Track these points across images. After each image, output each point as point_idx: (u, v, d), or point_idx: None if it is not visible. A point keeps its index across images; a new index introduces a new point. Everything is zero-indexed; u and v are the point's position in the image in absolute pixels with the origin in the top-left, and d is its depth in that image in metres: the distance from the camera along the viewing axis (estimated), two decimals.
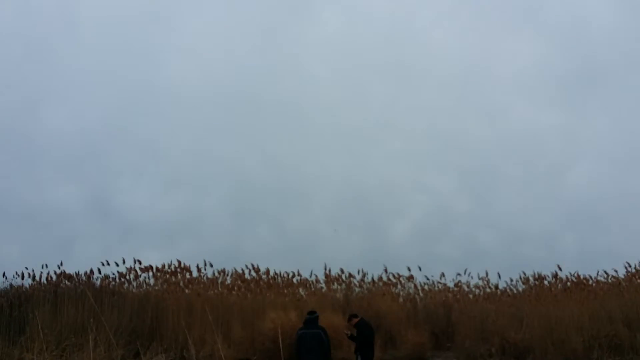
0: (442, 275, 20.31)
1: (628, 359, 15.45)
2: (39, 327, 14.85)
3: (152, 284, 18.34)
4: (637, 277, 18.48)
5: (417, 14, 36.10)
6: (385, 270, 20.14)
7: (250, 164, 32.36)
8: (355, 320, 13.29)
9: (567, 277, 19.03)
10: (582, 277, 18.94)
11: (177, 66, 33.43)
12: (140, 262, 18.13)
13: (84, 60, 32.27)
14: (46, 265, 17.72)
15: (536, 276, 19.39)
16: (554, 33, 33.71)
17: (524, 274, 19.57)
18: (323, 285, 19.79)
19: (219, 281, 18.72)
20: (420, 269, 20.02)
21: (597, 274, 19.11)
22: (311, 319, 11.80)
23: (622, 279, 18.56)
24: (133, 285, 18.15)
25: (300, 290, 19.48)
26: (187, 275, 18.42)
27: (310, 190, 31.38)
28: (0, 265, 20.28)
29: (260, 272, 19.07)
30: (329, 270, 19.81)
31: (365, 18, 35.92)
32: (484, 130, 33.03)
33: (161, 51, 33.87)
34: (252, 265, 19.12)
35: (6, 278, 17.52)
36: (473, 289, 20.12)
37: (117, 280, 18.02)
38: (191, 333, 16.01)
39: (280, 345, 12.43)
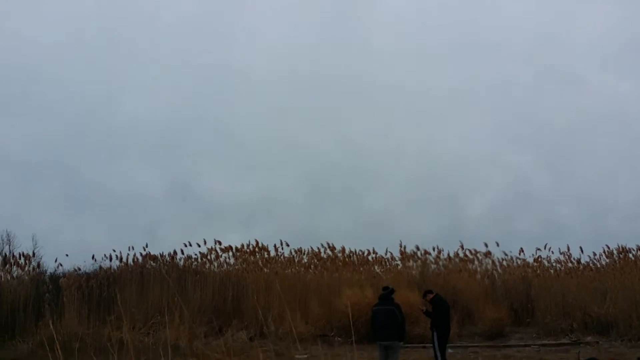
0: (521, 250, 19.94)
1: None
2: (127, 306, 15.72)
3: (232, 263, 18.91)
4: None
5: None
6: (462, 247, 19.95)
7: (323, 144, 32.62)
8: (431, 296, 13.24)
9: None
10: None
11: (246, 49, 33.98)
12: (220, 243, 18.81)
13: (158, 49, 33.36)
14: (132, 248, 18.63)
15: (620, 249, 18.70)
16: None
17: (608, 247, 18.94)
18: (398, 262, 19.86)
19: (296, 260, 19.13)
20: (497, 244, 19.71)
21: None
22: (385, 295, 11.86)
23: None
24: (214, 265, 18.85)
25: (376, 267, 19.66)
26: (265, 255, 18.89)
27: (384, 168, 31.35)
28: (89, 248, 21.53)
29: (336, 251, 19.35)
30: (404, 248, 19.86)
31: None
32: (561, 101, 31.86)
33: (230, 36, 34.51)
34: (328, 244, 19.45)
35: (95, 260, 18.52)
36: (554, 264, 19.63)
37: (199, 260, 18.73)
38: (270, 310, 16.50)
39: (351, 321, 12.65)
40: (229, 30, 34.67)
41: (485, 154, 31.71)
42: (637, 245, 18.43)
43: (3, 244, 23.78)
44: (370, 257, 19.69)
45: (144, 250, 18.69)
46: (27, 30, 33.10)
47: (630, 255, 18.50)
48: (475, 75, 33.49)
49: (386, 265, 19.71)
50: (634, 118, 30.34)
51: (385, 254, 19.85)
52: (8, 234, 24.62)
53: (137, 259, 18.55)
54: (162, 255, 18.80)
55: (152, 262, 18.61)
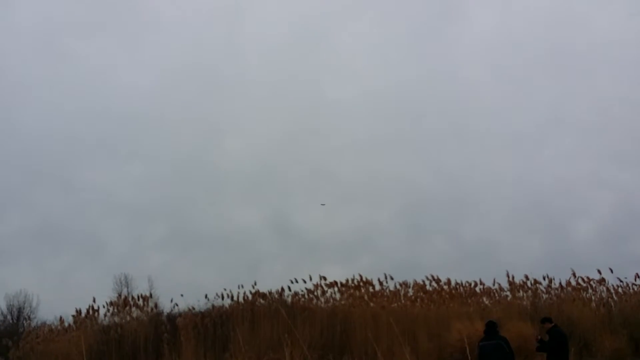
0: (637, 276, 19.49)
1: None
2: (242, 343, 16.65)
3: (338, 298, 19.53)
4: None
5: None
6: (574, 275, 19.73)
7: (420, 176, 32.94)
8: (549, 325, 13.21)
9: None
10: None
11: (337, 85, 34.99)
12: (325, 279, 19.51)
13: (252, 87, 34.98)
14: (242, 286, 19.67)
15: None
16: None
17: None
18: (508, 293, 19.86)
19: (401, 293, 19.49)
20: (611, 271, 19.39)
21: None
22: (491, 329, 12.09)
23: None
24: (321, 301, 19.48)
25: (484, 299, 19.77)
26: (370, 289, 19.38)
27: (482, 197, 31.27)
28: (200, 287, 22.89)
29: (442, 283, 19.62)
30: (512, 277, 19.86)
31: (520, 10, 35.04)
32: None
33: (320, 73, 35.71)
34: (433, 277, 19.75)
35: (208, 299, 19.63)
36: None
37: (306, 296, 19.45)
38: (379, 345, 16.96)
39: (469, 357, 12.88)
40: (319, 66, 35.91)
41: (587, 174, 30.99)
42: None
43: (122, 286, 25.87)
44: (477, 289, 19.88)
45: (253, 287, 19.68)
46: (126, 75, 35.70)
47: None
48: (569, 94, 32.88)
49: (495, 297, 19.81)
50: None
51: (493, 285, 20.02)
52: (126, 277, 26.86)
53: (247, 296, 19.51)
54: (270, 293, 19.69)
55: (261, 299, 19.51)
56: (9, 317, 27.36)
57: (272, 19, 37.66)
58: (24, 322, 27.00)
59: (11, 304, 27.92)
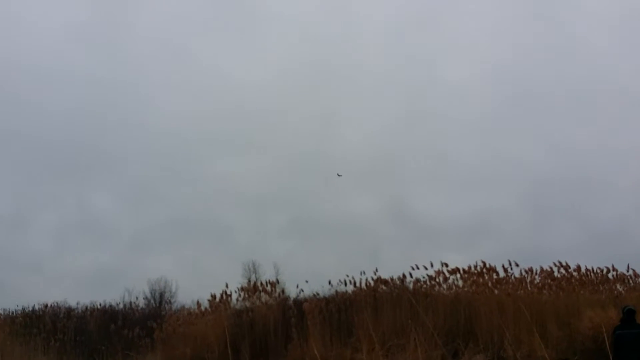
0: None
1: None
2: (366, 328, 17.04)
3: (460, 285, 19.38)
4: None
5: None
6: None
7: (543, 157, 31.70)
8: None
9: None
10: None
11: (452, 65, 34.40)
12: (447, 265, 19.37)
13: (365, 74, 35.18)
14: (364, 272, 20.05)
15: None
16: None
17: None
18: None
19: (527, 280, 19.00)
20: None
21: None
22: (630, 317, 11.58)
23: None
24: (443, 288, 19.42)
25: (618, 286, 18.86)
26: (494, 276, 19.05)
27: (612, 178, 29.49)
28: (323, 274, 23.60)
29: (571, 270, 18.90)
30: None
31: None
32: None
33: (434, 53, 35.23)
34: (560, 263, 19.05)
35: (332, 285, 20.27)
36: None
37: (428, 283, 19.48)
38: (506, 333, 16.69)
39: (608, 346, 12.37)
40: (431, 49, 35.44)
41: None
42: None
43: (250, 272, 27.32)
44: (610, 275, 18.99)
45: (375, 274, 19.99)
46: (245, 73, 37.14)
47: None
48: None
49: (629, 283, 18.85)
50: None
51: (627, 271, 19.04)
52: (254, 264, 28.36)
53: (369, 283, 19.87)
54: (392, 279, 19.90)
55: (383, 285, 19.79)
56: (152, 301, 29.61)
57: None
58: (165, 305, 29.17)
59: (153, 289, 30.24)
